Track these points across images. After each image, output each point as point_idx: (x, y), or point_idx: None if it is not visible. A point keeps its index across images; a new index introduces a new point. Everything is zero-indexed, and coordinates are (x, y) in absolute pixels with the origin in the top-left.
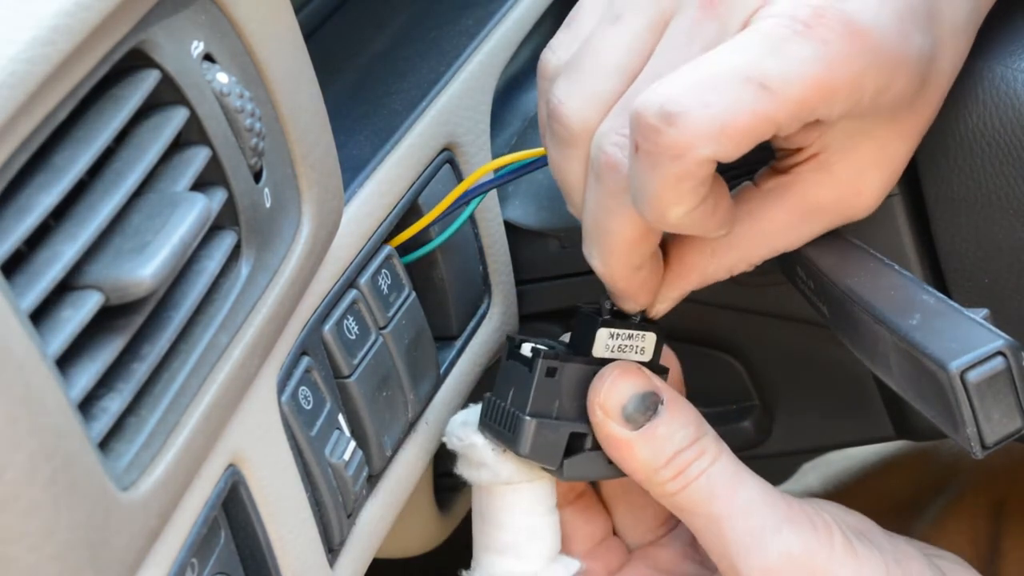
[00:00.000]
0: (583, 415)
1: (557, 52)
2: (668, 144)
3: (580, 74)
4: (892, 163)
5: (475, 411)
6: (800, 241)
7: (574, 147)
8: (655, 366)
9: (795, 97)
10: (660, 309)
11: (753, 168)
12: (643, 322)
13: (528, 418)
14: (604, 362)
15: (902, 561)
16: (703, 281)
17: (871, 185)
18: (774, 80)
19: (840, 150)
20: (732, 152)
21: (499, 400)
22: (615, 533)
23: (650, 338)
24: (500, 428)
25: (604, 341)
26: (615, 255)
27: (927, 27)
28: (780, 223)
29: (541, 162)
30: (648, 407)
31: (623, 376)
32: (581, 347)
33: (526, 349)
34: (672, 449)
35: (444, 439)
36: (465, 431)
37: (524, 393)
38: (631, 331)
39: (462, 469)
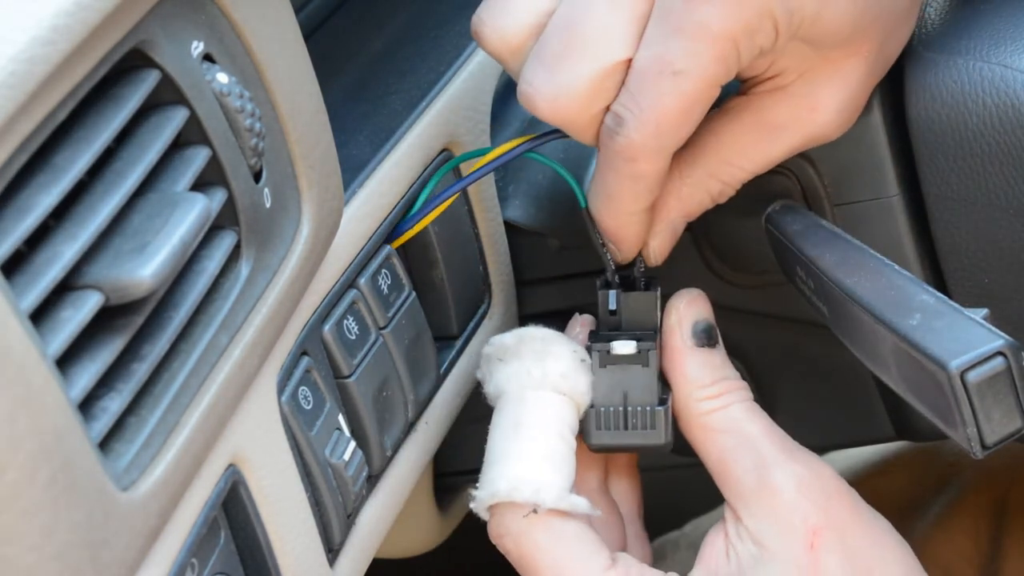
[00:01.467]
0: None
1: (511, 30)
2: (619, 149)
3: (559, 60)
4: (848, 81)
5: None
6: (765, 161)
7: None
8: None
9: (706, 66)
10: (655, 247)
11: None
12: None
13: (663, 408)
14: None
15: None
16: (684, 207)
17: (827, 102)
18: (680, 61)
19: (795, 71)
20: (677, 138)
21: (612, 409)
22: None
23: (652, 296)
24: (627, 434)
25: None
26: (619, 205)
27: None
28: (741, 141)
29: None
30: (711, 337)
31: (700, 300)
32: (635, 321)
33: (624, 349)
34: (721, 374)
35: (496, 341)
36: (543, 330)
37: (647, 389)
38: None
39: (515, 370)
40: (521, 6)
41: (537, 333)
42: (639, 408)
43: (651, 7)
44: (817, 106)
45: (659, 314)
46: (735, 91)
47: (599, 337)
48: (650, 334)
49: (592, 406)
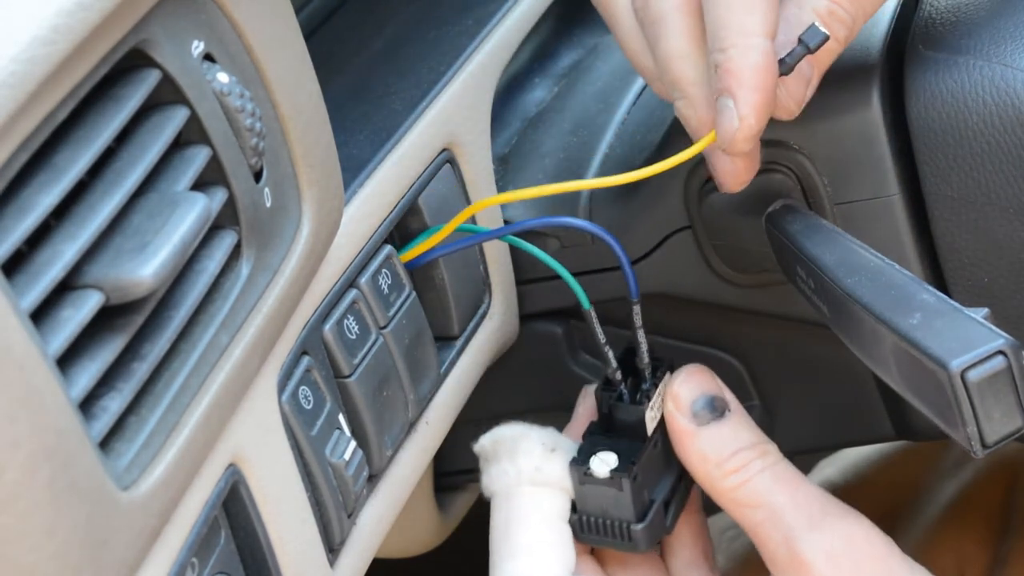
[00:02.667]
0: (664, 481)
1: None
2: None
3: None
4: None
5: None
6: None
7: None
8: None
9: None
10: (795, 90)
11: None
12: (654, 373)
13: (640, 526)
14: (661, 431)
15: None
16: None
17: None
18: None
19: None
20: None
21: (592, 518)
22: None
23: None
24: (609, 539)
25: (650, 417)
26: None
27: None
28: None
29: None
30: (716, 408)
31: (696, 375)
32: (626, 428)
33: (601, 471)
34: (737, 445)
35: (482, 441)
36: (514, 425)
37: (624, 509)
38: (657, 390)
39: (496, 472)
40: None
41: (507, 432)
42: (617, 523)
43: None
44: None
45: (658, 401)
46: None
47: (592, 440)
48: (637, 445)
49: (575, 512)
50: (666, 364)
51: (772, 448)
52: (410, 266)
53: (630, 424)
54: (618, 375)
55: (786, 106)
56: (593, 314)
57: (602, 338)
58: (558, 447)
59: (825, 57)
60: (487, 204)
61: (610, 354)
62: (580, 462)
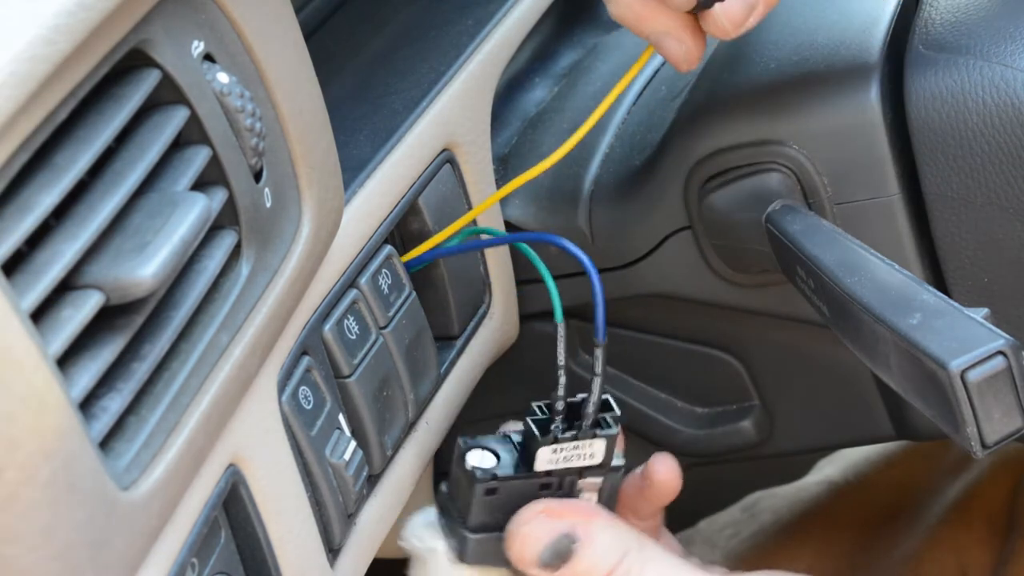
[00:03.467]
0: None
1: None
2: None
3: None
4: None
5: (433, 515)
6: None
7: None
8: (606, 466)
9: None
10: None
11: None
12: (594, 427)
13: (470, 535)
14: (548, 474)
15: None
16: None
17: None
18: None
19: None
20: None
21: (450, 497)
22: None
23: (599, 444)
24: (451, 528)
25: (547, 457)
26: None
27: None
28: None
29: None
30: (563, 550)
31: (531, 531)
32: (526, 455)
33: (471, 460)
34: None
35: (401, 539)
36: (428, 533)
37: (466, 507)
38: (577, 442)
39: (415, 574)
40: None
41: (417, 544)
42: (456, 513)
43: None
44: None
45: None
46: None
47: (508, 435)
48: (519, 474)
49: (444, 486)
50: (614, 425)
51: (634, 560)
52: (410, 268)
53: (529, 450)
54: (559, 404)
55: (720, 25)
56: (562, 330)
57: (561, 360)
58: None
59: None
60: (489, 204)
61: (562, 379)
62: (471, 439)
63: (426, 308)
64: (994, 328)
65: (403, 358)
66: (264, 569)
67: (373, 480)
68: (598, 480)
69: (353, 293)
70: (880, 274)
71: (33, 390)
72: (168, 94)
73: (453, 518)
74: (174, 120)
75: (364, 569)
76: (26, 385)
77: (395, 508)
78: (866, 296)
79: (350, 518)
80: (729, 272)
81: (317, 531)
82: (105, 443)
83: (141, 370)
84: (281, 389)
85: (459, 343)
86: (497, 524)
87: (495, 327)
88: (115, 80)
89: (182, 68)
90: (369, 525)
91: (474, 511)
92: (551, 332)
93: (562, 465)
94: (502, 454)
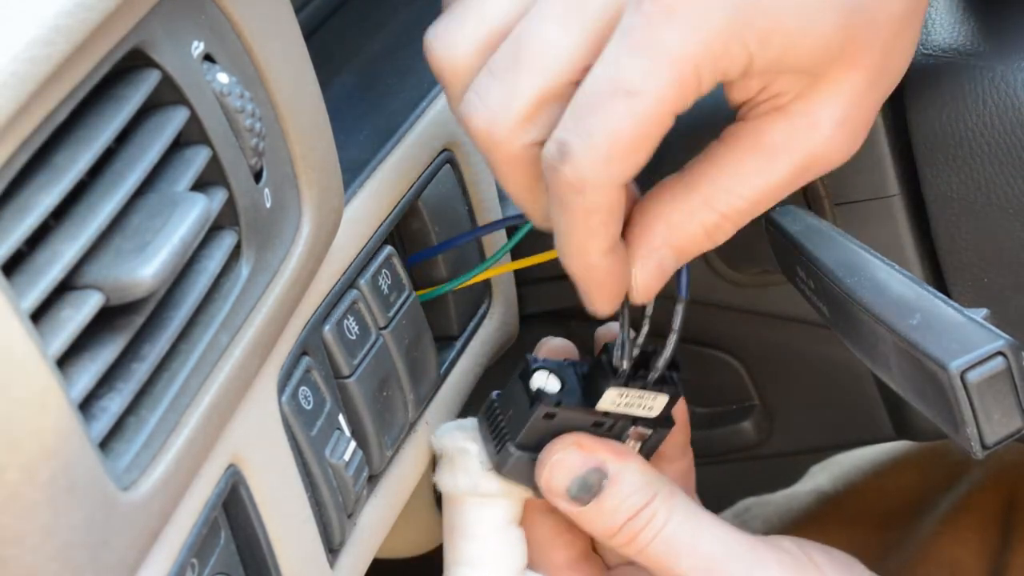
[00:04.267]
0: None
1: (460, 45)
2: (567, 182)
3: (510, 83)
4: (848, 96)
5: (469, 422)
6: (765, 187)
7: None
8: (659, 421)
9: (662, 88)
10: (639, 279)
11: None
12: (660, 382)
13: (515, 449)
14: (607, 414)
15: None
16: (673, 236)
17: (825, 118)
18: (636, 81)
19: (792, 91)
20: (629, 167)
21: (499, 409)
22: (595, 551)
23: (661, 400)
24: (492, 437)
25: (612, 398)
26: (579, 245)
27: None
28: (737, 165)
29: None
30: (592, 484)
31: (563, 461)
32: (592, 388)
33: (535, 383)
34: (622, 518)
35: (433, 440)
36: (459, 435)
37: (519, 423)
38: (643, 392)
39: (441, 476)
40: (472, 21)
41: (449, 442)
42: (504, 430)
43: (611, 30)
44: (816, 123)
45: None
46: (732, 118)
47: (568, 364)
48: (586, 402)
49: (497, 395)
50: (680, 385)
51: (660, 505)
52: (410, 263)
53: (596, 385)
54: (625, 364)
55: (640, 299)
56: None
57: (649, 310)
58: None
59: (696, 253)
60: (504, 269)
61: (645, 327)
62: (532, 360)
63: (426, 308)
64: (994, 328)
65: (403, 358)
66: (264, 569)
67: (373, 480)
68: (647, 431)
69: (353, 293)
70: (880, 274)
71: (33, 390)
72: (168, 94)
73: (498, 427)
74: (174, 120)
75: (364, 569)
76: (26, 385)
77: (395, 508)
78: (866, 296)
79: (350, 518)
80: (729, 272)
81: (317, 531)
82: (105, 443)
83: (141, 370)
84: (281, 389)
85: (459, 343)
86: (539, 447)
87: (495, 327)
88: (115, 80)
89: (182, 68)
90: (369, 525)
91: (526, 430)
92: (551, 332)
93: (622, 410)
94: (567, 381)
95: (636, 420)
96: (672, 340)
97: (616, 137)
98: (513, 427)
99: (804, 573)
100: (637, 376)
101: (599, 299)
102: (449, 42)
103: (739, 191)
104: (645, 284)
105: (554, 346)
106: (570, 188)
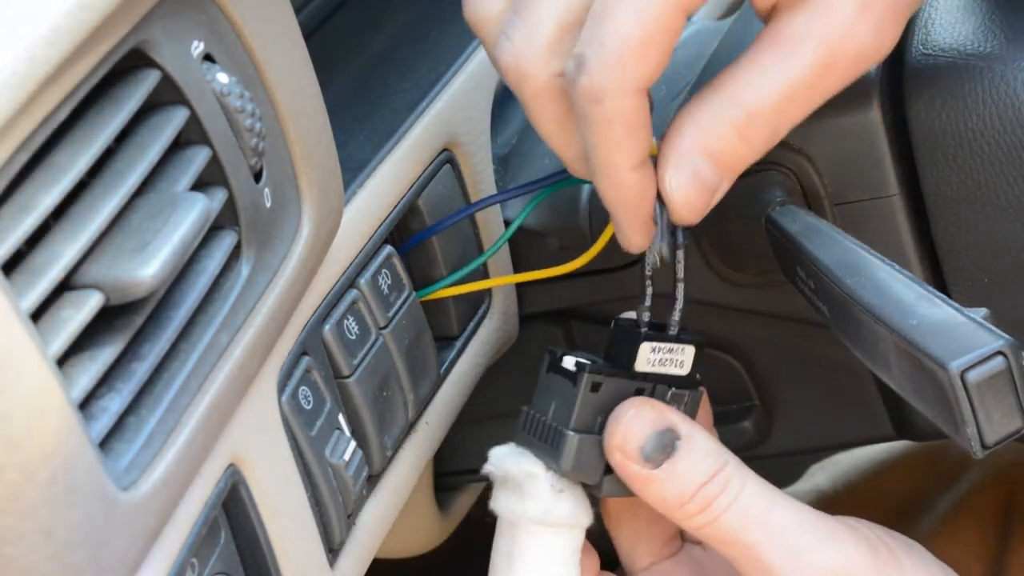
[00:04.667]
0: None
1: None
2: (584, 92)
3: (531, 16)
4: None
5: (513, 448)
6: (787, 80)
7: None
8: (691, 380)
9: None
10: (675, 187)
11: None
12: (681, 334)
13: (571, 433)
14: (646, 376)
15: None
16: (705, 138)
17: (843, 3)
18: None
19: None
20: (645, 70)
21: (538, 414)
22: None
23: (689, 351)
24: (540, 443)
25: (646, 355)
26: (605, 161)
27: None
28: (759, 59)
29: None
30: (666, 444)
31: (638, 416)
32: (620, 360)
33: (569, 363)
34: (696, 483)
35: (489, 467)
36: (523, 459)
37: (567, 407)
38: (671, 344)
39: (506, 502)
40: None
41: (514, 468)
42: (552, 426)
43: None
44: (833, 7)
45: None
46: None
47: (584, 353)
48: (619, 369)
49: (528, 406)
50: (697, 337)
51: (733, 472)
52: (403, 250)
53: (625, 351)
54: (646, 315)
55: (683, 217)
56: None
57: (648, 271)
58: (565, 488)
59: (736, 164)
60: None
61: (649, 291)
62: (555, 351)
63: (426, 308)
64: (994, 328)
65: (403, 358)
66: (264, 569)
67: (373, 480)
68: (684, 394)
69: (353, 293)
70: (880, 274)
71: (33, 390)
72: (168, 94)
73: (545, 429)
74: (174, 120)
75: (364, 569)
76: (26, 385)
77: (395, 508)
78: (866, 296)
79: (350, 518)
80: (729, 272)
81: (317, 531)
82: (105, 443)
83: (141, 370)
84: (281, 389)
85: (459, 343)
86: (592, 428)
87: (495, 327)
88: (115, 80)
89: (182, 68)
90: (369, 525)
91: (577, 410)
92: (551, 332)
93: (658, 368)
94: (595, 359)
95: (670, 383)
96: (680, 289)
97: (626, 39)
98: (562, 416)
99: (876, 551)
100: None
101: (631, 225)
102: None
103: (764, 85)
104: (683, 195)
105: None
106: (588, 98)
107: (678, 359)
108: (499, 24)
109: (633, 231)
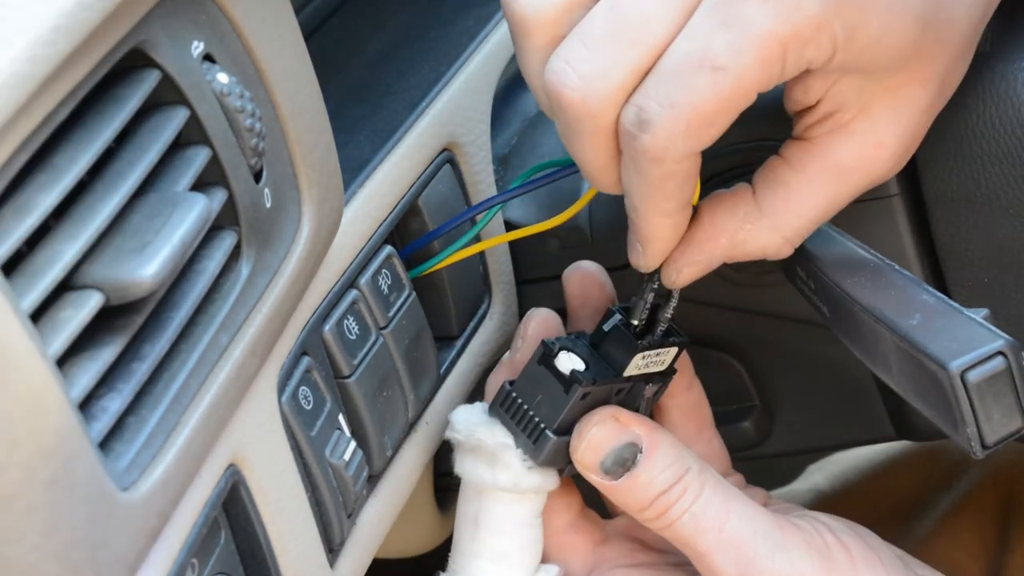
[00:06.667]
0: None
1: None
2: (645, 150)
3: (608, 56)
4: (911, 112)
5: (479, 407)
6: (830, 208)
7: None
8: (667, 372)
9: (748, 66)
10: (686, 273)
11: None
12: (669, 335)
13: (554, 436)
14: (632, 379)
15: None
16: (733, 249)
17: (891, 137)
18: (723, 56)
19: (854, 106)
20: (707, 139)
21: (521, 400)
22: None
23: (671, 352)
24: (517, 429)
25: (636, 363)
26: (649, 206)
27: None
28: (809, 190)
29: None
30: (627, 459)
31: (600, 431)
32: (609, 358)
33: (564, 365)
34: (654, 492)
35: (454, 433)
36: (495, 429)
37: (554, 411)
38: (659, 349)
39: (474, 468)
40: None
41: (487, 439)
42: (536, 420)
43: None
44: (883, 142)
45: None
46: (790, 139)
47: (576, 339)
48: (609, 375)
49: (511, 386)
50: (682, 341)
51: (692, 480)
52: (404, 255)
53: (616, 354)
54: (645, 314)
55: (669, 280)
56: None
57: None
58: (535, 466)
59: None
60: (497, 241)
61: (650, 296)
62: (551, 344)
63: (426, 308)
64: (994, 328)
65: (403, 358)
66: (264, 569)
67: (373, 480)
68: (656, 386)
69: (353, 293)
70: (880, 274)
71: (33, 390)
72: (168, 94)
73: (525, 416)
74: (174, 120)
75: (364, 569)
76: (26, 385)
77: (395, 508)
78: (866, 296)
79: (350, 518)
80: (729, 272)
81: (317, 531)
82: (105, 443)
83: (141, 370)
84: (281, 389)
85: (459, 343)
86: (571, 428)
87: (495, 327)
88: (115, 80)
89: (182, 68)
90: (369, 525)
91: (566, 414)
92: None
93: (643, 371)
94: (584, 356)
95: (649, 380)
96: (675, 295)
97: (697, 111)
98: (548, 414)
99: (830, 559)
100: (646, 336)
101: (653, 254)
102: None
103: (809, 215)
104: (689, 277)
105: (548, 324)
106: (648, 156)
107: (662, 360)
108: (553, 32)
109: (653, 259)
